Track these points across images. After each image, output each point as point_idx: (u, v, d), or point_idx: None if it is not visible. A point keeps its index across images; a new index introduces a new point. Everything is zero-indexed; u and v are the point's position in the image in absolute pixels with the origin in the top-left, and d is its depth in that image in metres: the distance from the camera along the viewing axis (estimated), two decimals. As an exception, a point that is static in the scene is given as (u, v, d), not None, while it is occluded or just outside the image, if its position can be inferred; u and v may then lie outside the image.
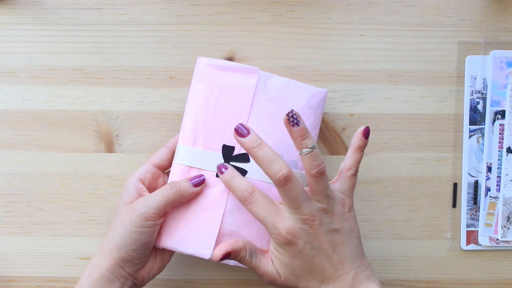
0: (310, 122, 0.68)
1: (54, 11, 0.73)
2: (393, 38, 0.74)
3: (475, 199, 0.74)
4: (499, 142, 0.74)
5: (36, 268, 0.74)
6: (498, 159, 0.74)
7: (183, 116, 0.68)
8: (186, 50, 0.73)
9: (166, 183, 0.67)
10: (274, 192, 0.65)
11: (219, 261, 0.64)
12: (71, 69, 0.73)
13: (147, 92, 0.73)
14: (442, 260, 0.75)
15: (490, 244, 0.74)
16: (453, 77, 0.74)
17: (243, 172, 0.66)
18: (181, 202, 0.66)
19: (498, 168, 0.74)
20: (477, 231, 0.74)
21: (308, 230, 0.62)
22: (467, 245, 0.74)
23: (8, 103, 0.73)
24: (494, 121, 0.74)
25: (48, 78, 0.73)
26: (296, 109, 0.66)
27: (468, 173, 0.74)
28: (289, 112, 0.61)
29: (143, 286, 0.67)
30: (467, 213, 0.74)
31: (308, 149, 0.61)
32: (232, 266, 0.70)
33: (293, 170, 0.63)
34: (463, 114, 0.74)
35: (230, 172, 0.65)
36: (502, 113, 0.74)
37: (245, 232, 0.66)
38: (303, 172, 0.67)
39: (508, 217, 0.74)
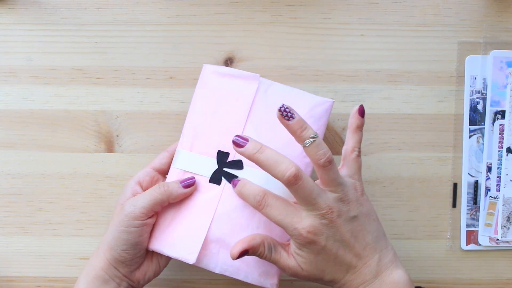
0: None
1: (54, 11, 0.73)
2: (393, 38, 0.74)
3: (475, 199, 0.74)
4: (499, 142, 0.74)
5: (36, 268, 0.74)
6: (498, 159, 0.74)
7: (185, 121, 0.68)
8: (186, 50, 0.73)
9: None
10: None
11: (236, 259, 0.62)
12: (71, 69, 0.73)
13: (147, 92, 0.73)
14: (442, 260, 0.74)
15: (490, 244, 0.74)
16: (453, 77, 0.74)
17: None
18: (171, 203, 0.65)
19: (498, 168, 0.74)
20: (477, 231, 0.74)
21: (328, 224, 0.60)
22: (467, 245, 0.74)
23: (8, 103, 0.73)
24: (494, 121, 0.73)
25: (48, 78, 0.73)
26: None
27: (468, 173, 0.74)
28: (280, 107, 0.59)
29: None
30: (467, 213, 0.74)
31: (311, 140, 0.59)
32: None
33: None
34: (463, 114, 0.74)
35: (242, 181, 0.63)
36: (502, 113, 0.73)
37: (234, 239, 0.64)
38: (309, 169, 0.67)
39: (508, 217, 0.74)
